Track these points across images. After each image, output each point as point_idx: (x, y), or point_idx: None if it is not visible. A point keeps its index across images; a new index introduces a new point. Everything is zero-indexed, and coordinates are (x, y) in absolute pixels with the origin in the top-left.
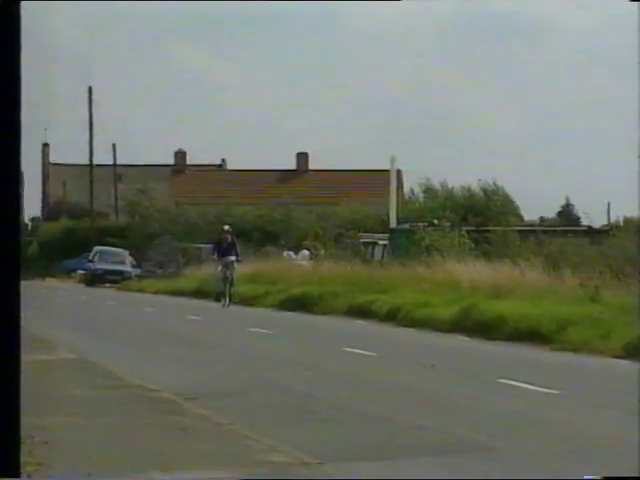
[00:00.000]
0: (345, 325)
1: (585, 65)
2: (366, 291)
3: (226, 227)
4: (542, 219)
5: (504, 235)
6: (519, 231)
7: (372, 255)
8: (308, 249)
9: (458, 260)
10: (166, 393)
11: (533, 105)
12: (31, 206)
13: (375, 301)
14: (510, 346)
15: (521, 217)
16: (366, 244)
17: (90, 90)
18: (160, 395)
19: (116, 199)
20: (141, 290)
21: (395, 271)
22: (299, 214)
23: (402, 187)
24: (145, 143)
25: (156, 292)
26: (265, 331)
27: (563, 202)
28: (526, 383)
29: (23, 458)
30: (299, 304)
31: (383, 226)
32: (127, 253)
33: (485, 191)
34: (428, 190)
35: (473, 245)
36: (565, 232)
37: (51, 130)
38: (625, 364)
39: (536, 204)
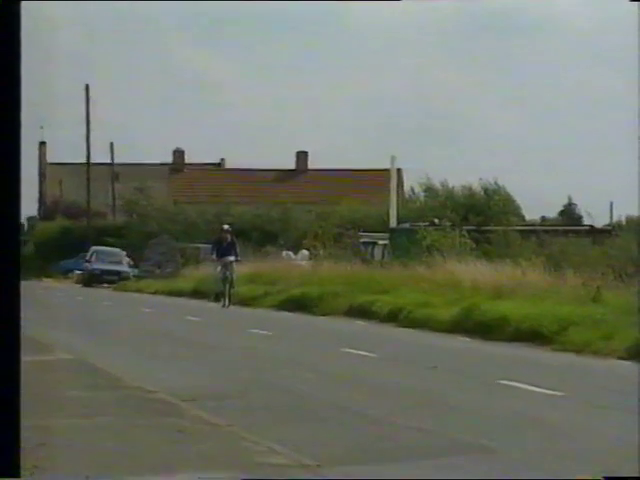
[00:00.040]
0: (345, 326)
1: (586, 65)
2: (366, 291)
3: (226, 227)
4: (544, 219)
5: (505, 235)
6: (520, 231)
7: (372, 255)
8: (307, 249)
9: (459, 260)
10: (164, 394)
11: (534, 104)
12: (27, 205)
13: (375, 301)
14: (511, 347)
15: (522, 217)
16: (366, 244)
17: (87, 88)
18: (158, 396)
19: (113, 198)
20: (139, 290)
21: (395, 271)
22: (298, 213)
23: (402, 186)
24: (143, 142)
25: (154, 292)
26: (264, 332)
27: (565, 201)
28: (527, 384)
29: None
30: (298, 305)
31: (383, 226)
32: (124, 253)
33: (486, 190)
34: (429, 189)
35: (474, 245)
36: (567, 232)
37: (48, 128)
38: (627, 365)
39: (538, 203)
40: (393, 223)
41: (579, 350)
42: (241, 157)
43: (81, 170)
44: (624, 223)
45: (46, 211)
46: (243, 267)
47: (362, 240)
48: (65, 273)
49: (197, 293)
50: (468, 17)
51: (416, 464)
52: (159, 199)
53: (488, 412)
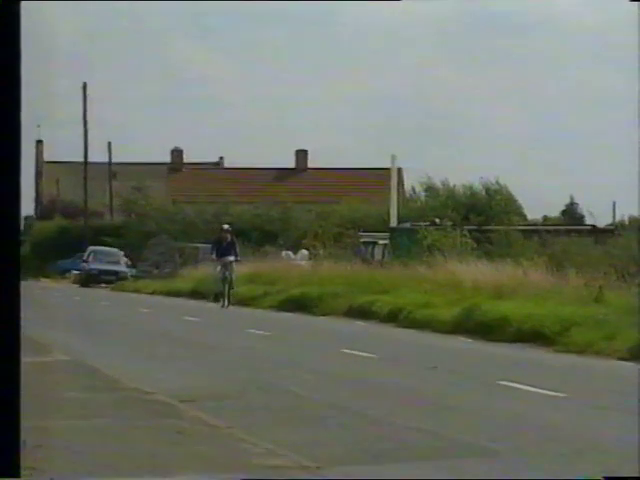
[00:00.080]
0: (345, 326)
1: (586, 64)
2: (366, 291)
3: (225, 226)
4: (545, 218)
5: (507, 234)
6: (522, 230)
7: (372, 255)
8: (307, 249)
9: (460, 260)
10: (162, 395)
11: (535, 104)
12: (24, 204)
13: (375, 302)
14: (513, 347)
15: (524, 216)
16: (366, 243)
17: (85, 86)
18: (156, 397)
19: (111, 197)
20: (137, 290)
21: (396, 271)
22: (298, 213)
23: (403, 185)
24: (141, 140)
25: (152, 293)
26: (264, 332)
27: (567, 201)
28: (528, 385)
29: None
30: (298, 305)
31: (383, 225)
32: (122, 253)
33: (487, 190)
34: (429, 189)
35: (475, 245)
36: (569, 231)
37: (45, 127)
38: (629, 366)
39: (539, 203)
40: (393, 223)
41: (581, 351)
42: (240, 156)
43: (78, 169)
44: (627, 223)
45: (43, 210)
46: (242, 267)
47: (362, 240)
48: (62, 273)
49: (196, 293)
50: (468, 17)
51: (416, 465)
52: (157, 199)
53: (488, 413)
